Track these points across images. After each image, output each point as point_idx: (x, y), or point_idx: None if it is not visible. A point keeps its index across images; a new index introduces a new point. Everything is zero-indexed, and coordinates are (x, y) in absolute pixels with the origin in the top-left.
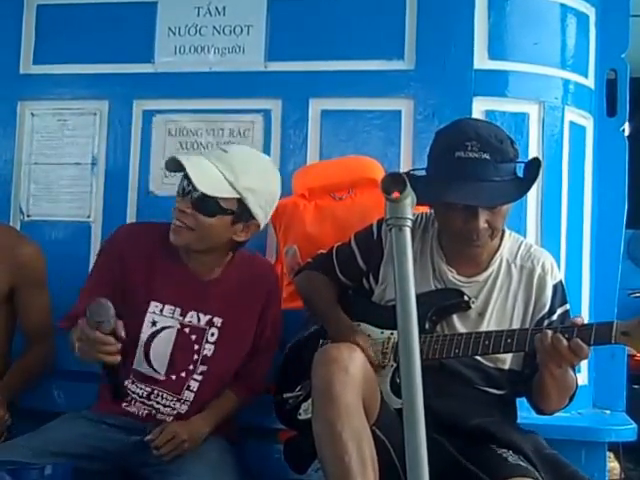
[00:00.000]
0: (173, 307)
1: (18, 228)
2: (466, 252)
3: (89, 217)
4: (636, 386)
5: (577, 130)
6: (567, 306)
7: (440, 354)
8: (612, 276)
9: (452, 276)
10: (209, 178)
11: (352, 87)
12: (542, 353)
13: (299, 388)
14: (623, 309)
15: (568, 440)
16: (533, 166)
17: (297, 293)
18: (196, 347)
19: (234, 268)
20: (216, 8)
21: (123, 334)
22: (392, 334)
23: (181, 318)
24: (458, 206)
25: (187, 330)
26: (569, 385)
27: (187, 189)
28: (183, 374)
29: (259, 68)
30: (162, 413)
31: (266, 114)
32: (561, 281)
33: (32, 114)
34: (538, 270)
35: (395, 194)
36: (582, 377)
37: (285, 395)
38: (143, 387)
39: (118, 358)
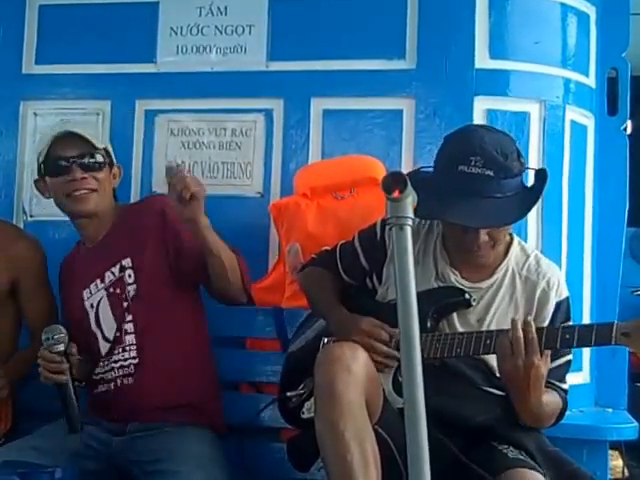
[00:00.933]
0: (96, 282)
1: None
2: (471, 258)
3: None
4: (638, 384)
5: (578, 129)
6: (570, 323)
7: (442, 353)
8: (613, 274)
9: (455, 279)
10: (89, 135)
11: (353, 86)
12: (500, 355)
13: (302, 386)
14: (625, 307)
15: (570, 438)
16: (539, 178)
17: (300, 289)
18: (123, 296)
19: (123, 216)
20: (218, 8)
21: (74, 351)
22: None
23: (103, 284)
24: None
25: (112, 289)
26: (544, 412)
27: (68, 162)
28: (121, 324)
29: (261, 68)
30: (120, 375)
31: (268, 114)
32: (567, 299)
33: (35, 114)
34: (542, 284)
35: (396, 193)
36: (583, 375)
37: (288, 394)
38: (103, 363)
39: (62, 377)
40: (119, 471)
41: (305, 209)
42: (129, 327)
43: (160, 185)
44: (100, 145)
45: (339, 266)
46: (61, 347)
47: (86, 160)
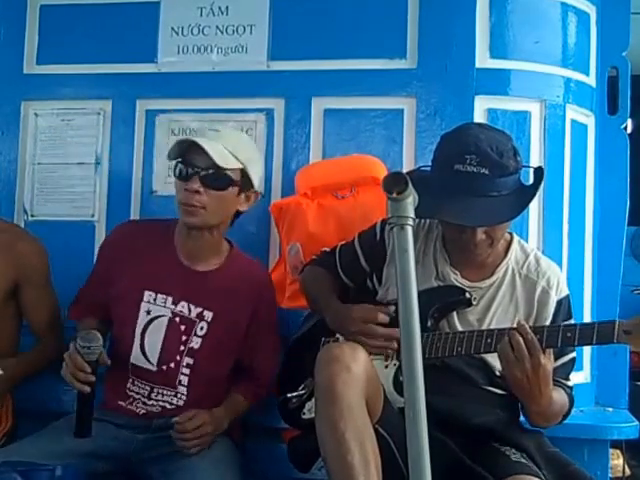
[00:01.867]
0: (165, 296)
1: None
2: (470, 257)
3: (93, 217)
4: (639, 383)
5: (579, 128)
6: (571, 321)
7: (442, 353)
8: (614, 273)
9: (455, 278)
10: (217, 152)
11: (354, 86)
12: (504, 362)
13: (302, 387)
14: (626, 306)
15: (571, 438)
16: (536, 176)
17: (300, 290)
18: (184, 338)
19: (231, 264)
20: (219, 8)
21: (108, 362)
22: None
23: (172, 307)
24: None
25: (177, 320)
26: (553, 411)
27: (193, 170)
28: (172, 365)
29: (262, 67)
30: (161, 409)
31: (269, 113)
32: (567, 296)
33: (36, 114)
34: (542, 283)
35: (397, 193)
36: (584, 374)
37: (289, 394)
38: (142, 385)
39: (86, 388)
40: (131, 473)
41: (306, 209)
42: (184, 379)
43: (160, 185)
44: (235, 165)
45: (339, 267)
46: (94, 357)
47: (208, 173)
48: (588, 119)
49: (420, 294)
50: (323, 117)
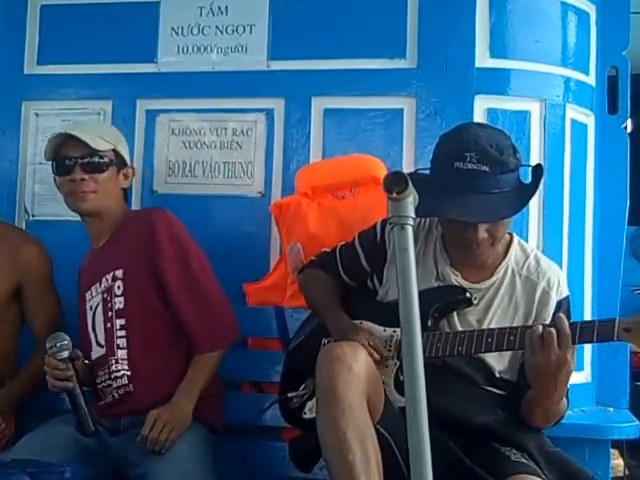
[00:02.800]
0: (96, 285)
1: (23, 228)
2: (470, 257)
3: None
4: (639, 383)
5: (579, 128)
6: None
7: (443, 352)
8: (614, 273)
9: (455, 279)
10: (90, 138)
11: (354, 86)
12: (530, 348)
13: (303, 387)
14: (626, 306)
15: (571, 438)
16: (535, 174)
17: (300, 291)
18: (109, 305)
19: (125, 222)
20: (219, 8)
21: (79, 355)
22: (395, 332)
23: (100, 288)
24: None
25: (105, 296)
26: (558, 410)
27: (72, 161)
28: (110, 335)
29: (262, 67)
30: (115, 385)
31: (269, 113)
32: (567, 297)
33: (36, 114)
34: (542, 284)
35: (397, 192)
36: (585, 374)
37: (289, 394)
38: (102, 373)
39: (69, 384)
40: (117, 474)
41: (306, 209)
42: (121, 342)
43: (161, 185)
44: (107, 146)
45: (339, 267)
46: (65, 354)
47: (86, 161)
48: (588, 119)
49: (420, 294)
50: (323, 117)
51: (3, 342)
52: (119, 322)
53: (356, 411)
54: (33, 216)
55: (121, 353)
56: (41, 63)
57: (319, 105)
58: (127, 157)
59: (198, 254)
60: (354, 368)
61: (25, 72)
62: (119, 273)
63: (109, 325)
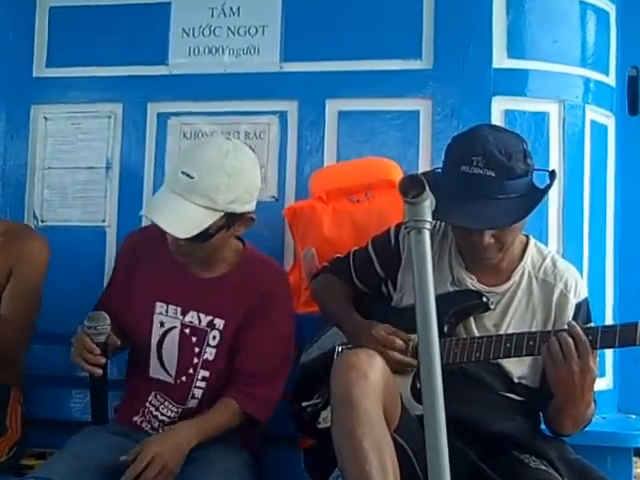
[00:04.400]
0: (175, 307)
1: None
2: (482, 261)
3: (104, 222)
4: None
5: (598, 129)
6: (591, 324)
7: (460, 358)
8: (636, 276)
9: (471, 283)
10: (188, 222)
11: (369, 87)
12: (550, 361)
13: (317, 396)
14: None
15: (593, 446)
16: (549, 179)
17: (312, 298)
18: (197, 350)
19: (241, 265)
20: (230, 8)
21: (118, 342)
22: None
23: (181, 317)
24: None
25: (188, 331)
26: (586, 415)
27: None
28: (184, 379)
29: (274, 69)
30: (162, 424)
31: (282, 116)
32: (586, 299)
33: (45, 118)
34: (560, 287)
35: (413, 196)
36: (606, 381)
37: (303, 404)
38: (161, 399)
39: (98, 371)
40: None
41: (320, 213)
42: (197, 392)
43: None
44: (213, 218)
45: (353, 273)
46: (102, 338)
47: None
48: (608, 120)
49: (436, 299)
50: (337, 119)
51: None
52: (202, 373)
53: (372, 419)
54: (42, 221)
55: (193, 403)
56: (50, 66)
57: (333, 107)
58: (247, 208)
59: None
60: (370, 375)
61: (34, 75)
62: (219, 323)
63: (191, 371)
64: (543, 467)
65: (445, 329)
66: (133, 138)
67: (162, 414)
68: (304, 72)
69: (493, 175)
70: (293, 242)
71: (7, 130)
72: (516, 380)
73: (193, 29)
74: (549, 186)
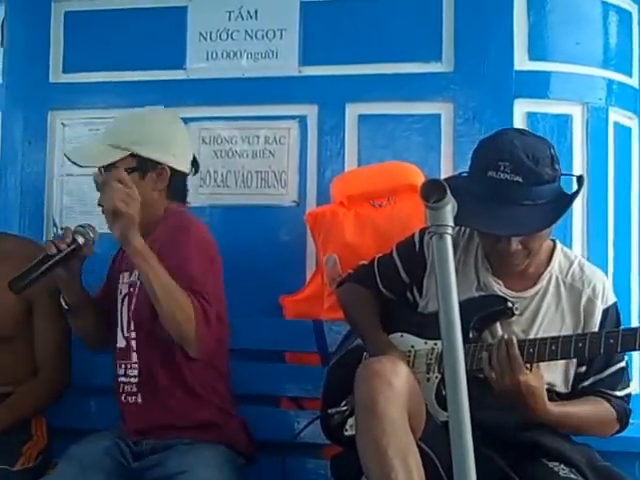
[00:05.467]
0: (127, 273)
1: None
2: (509, 267)
3: None
4: None
5: (622, 131)
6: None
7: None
8: None
9: (498, 288)
10: (96, 154)
11: (389, 91)
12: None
13: (344, 403)
14: None
15: (621, 452)
16: (580, 187)
17: (339, 307)
18: (127, 303)
19: (163, 221)
20: (248, 12)
21: (91, 251)
22: (436, 344)
23: (129, 278)
24: None
25: (131, 289)
26: (588, 424)
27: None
28: (127, 333)
29: (293, 73)
30: (128, 390)
31: (302, 120)
32: (614, 304)
33: (63, 124)
34: (587, 292)
35: (435, 201)
36: (634, 385)
37: (330, 411)
38: (120, 365)
39: (53, 248)
40: None
41: (342, 218)
42: (133, 344)
43: (192, 196)
44: (119, 155)
45: (378, 281)
46: (80, 239)
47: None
48: (632, 121)
49: (460, 304)
50: (358, 123)
51: (19, 365)
52: (134, 324)
53: (397, 427)
54: (62, 229)
55: (133, 356)
56: (67, 71)
57: (353, 111)
58: (159, 156)
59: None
60: (394, 383)
61: (50, 81)
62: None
63: (127, 323)
64: (572, 476)
65: (470, 335)
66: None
67: (128, 376)
68: (323, 76)
69: (520, 181)
70: (315, 248)
71: (25, 137)
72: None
73: (210, 33)
74: (577, 192)
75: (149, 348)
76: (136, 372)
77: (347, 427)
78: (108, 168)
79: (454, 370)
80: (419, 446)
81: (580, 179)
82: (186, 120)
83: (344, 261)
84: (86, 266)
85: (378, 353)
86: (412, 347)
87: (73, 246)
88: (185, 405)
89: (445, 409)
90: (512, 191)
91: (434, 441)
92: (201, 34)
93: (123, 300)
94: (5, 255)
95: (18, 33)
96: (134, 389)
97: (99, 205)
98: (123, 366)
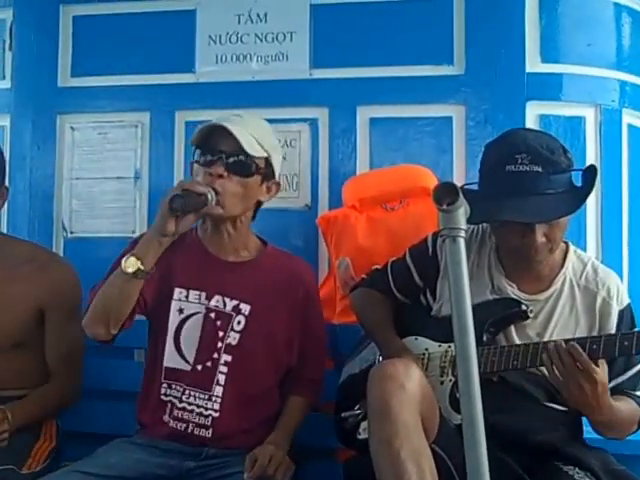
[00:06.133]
0: (198, 291)
1: (61, 245)
2: (527, 267)
3: (134, 232)
4: None
5: (636, 133)
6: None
7: (498, 367)
8: None
9: (512, 291)
10: (245, 138)
11: (401, 93)
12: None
13: (358, 406)
14: None
15: (637, 455)
16: (589, 174)
17: (352, 311)
18: (221, 334)
19: (266, 257)
20: (257, 15)
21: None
22: (450, 347)
23: (206, 302)
24: (514, 222)
25: (213, 315)
26: (622, 420)
27: (219, 154)
28: (209, 364)
29: (304, 76)
30: (195, 422)
31: (313, 123)
32: (629, 305)
33: (72, 128)
34: (602, 294)
35: (447, 204)
36: None
37: (344, 414)
38: (176, 387)
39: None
40: None
41: (354, 221)
42: (221, 378)
43: None
44: (261, 153)
45: (392, 285)
46: (209, 196)
47: (232, 160)
48: None
49: (474, 308)
50: (369, 126)
51: (29, 372)
52: (225, 357)
53: (410, 430)
54: (71, 233)
55: (218, 390)
56: (75, 75)
57: (365, 114)
58: (277, 170)
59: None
60: (407, 386)
61: (59, 85)
62: (245, 309)
63: (215, 355)
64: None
65: (484, 338)
66: (161, 147)
67: (190, 404)
68: (334, 79)
69: (540, 170)
70: (327, 251)
71: (33, 141)
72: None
73: (220, 36)
74: (594, 179)
75: (239, 385)
76: (218, 405)
77: (360, 431)
78: (233, 157)
79: (467, 373)
80: (432, 449)
81: (592, 169)
82: (196, 123)
83: (357, 265)
84: (91, 267)
85: (392, 357)
86: (426, 350)
87: (204, 199)
88: (250, 411)
89: (459, 412)
90: (533, 181)
91: (447, 444)
92: (210, 37)
93: (189, 317)
94: (18, 260)
95: (27, 37)
96: (208, 422)
97: None
98: (193, 395)
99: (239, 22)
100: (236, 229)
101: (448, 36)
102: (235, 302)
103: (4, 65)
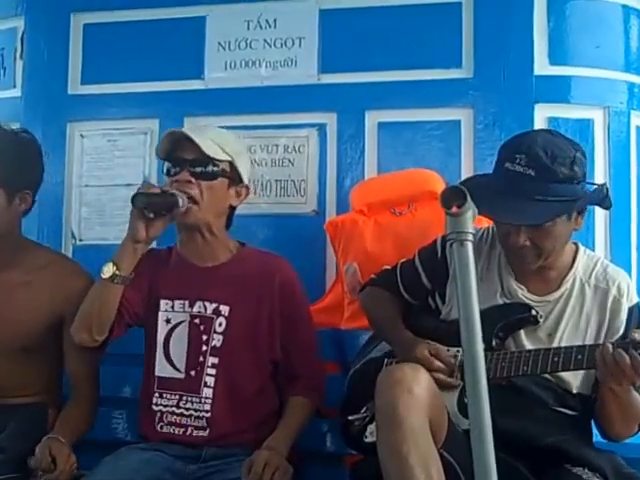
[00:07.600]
0: (182, 300)
1: (70, 253)
2: (533, 269)
3: None
4: None
5: None
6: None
7: (508, 372)
8: None
9: (522, 294)
10: (205, 144)
11: (409, 98)
12: (602, 369)
13: (365, 410)
14: None
15: None
16: (597, 194)
17: (361, 310)
18: (205, 338)
19: (242, 257)
20: (266, 21)
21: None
22: (458, 351)
23: (190, 309)
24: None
25: (197, 321)
26: (635, 410)
27: (183, 163)
28: (198, 368)
29: (312, 81)
30: (193, 425)
31: (321, 128)
32: (637, 304)
33: (81, 135)
34: (613, 291)
35: (455, 208)
36: None
37: (350, 417)
38: (170, 396)
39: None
40: None
41: (362, 226)
42: (209, 380)
43: None
44: (223, 156)
45: (400, 286)
46: (180, 201)
47: (197, 167)
48: None
49: (484, 312)
50: (377, 131)
51: (43, 381)
52: (212, 360)
53: (418, 435)
54: (80, 240)
55: (207, 392)
56: (85, 83)
57: (373, 119)
58: (245, 175)
59: (309, 311)
60: (415, 390)
61: (69, 92)
62: (224, 310)
63: (201, 359)
64: None
65: (493, 343)
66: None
67: (187, 409)
68: (342, 83)
69: (533, 174)
70: (335, 257)
71: (43, 148)
72: (575, 391)
73: (229, 42)
74: (591, 198)
75: (228, 383)
76: (209, 406)
77: (367, 434)
78: (196, 163)
79: (475, 377)
80: (441, 454)
81: (603, 187)
82: None
83: (364, 270)
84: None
85: (404, 350)
86: None
87: (175, 200)
88: (245, 412)
89: (467, 417)
90: (523, 183)
91: (456, 449)
92: (219, 44)
93: (175, 327)
94: (36, 265)
95: (37, 45)
96: (201, 423)
97: None
98: (183, 400)
99: (248, 28)
100: (212, 234)
101: (456, 40)
102: (215, 305)
103: (15, 73)
